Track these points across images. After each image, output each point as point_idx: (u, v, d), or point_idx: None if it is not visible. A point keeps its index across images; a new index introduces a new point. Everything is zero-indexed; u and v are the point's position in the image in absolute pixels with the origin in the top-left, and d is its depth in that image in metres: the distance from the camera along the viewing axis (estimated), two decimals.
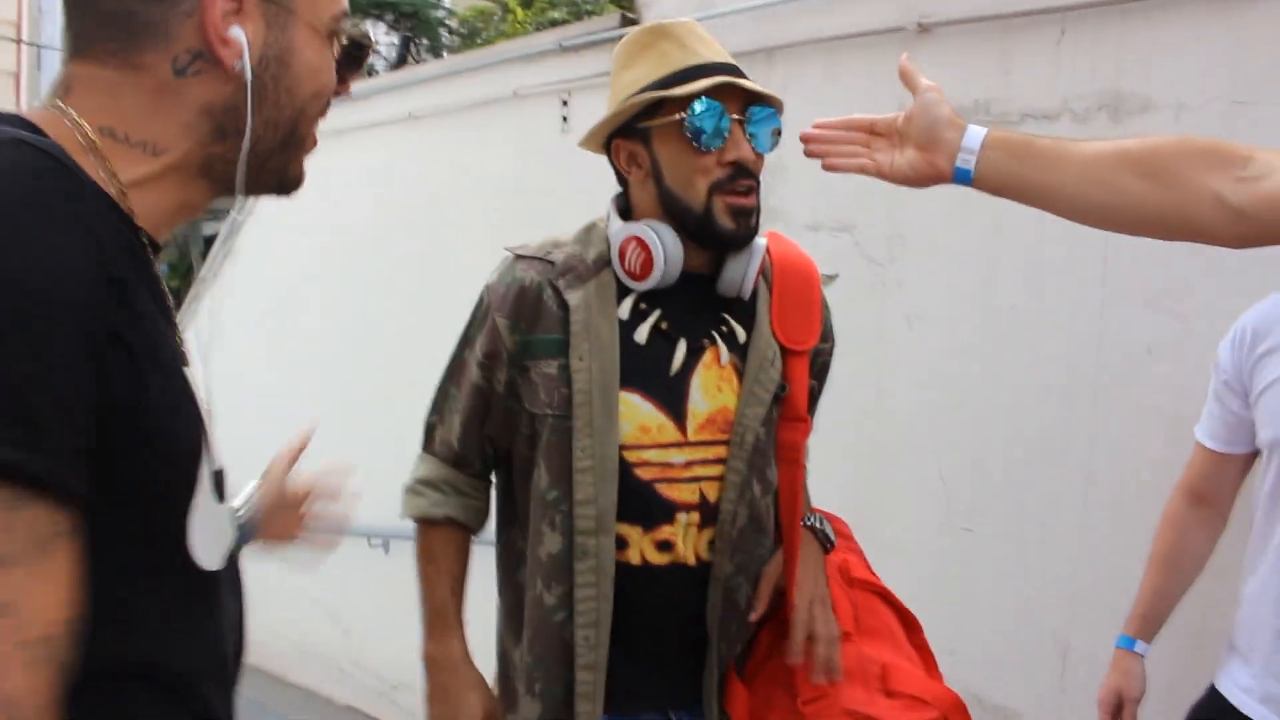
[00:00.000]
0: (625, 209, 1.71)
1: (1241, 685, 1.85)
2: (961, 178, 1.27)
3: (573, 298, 1.63)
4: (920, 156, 1.29)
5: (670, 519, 1.63)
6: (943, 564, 2.78)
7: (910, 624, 1.80)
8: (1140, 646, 2.08)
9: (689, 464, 1.63)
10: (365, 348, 5.41)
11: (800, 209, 3.19)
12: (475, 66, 4.77)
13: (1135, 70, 2.44)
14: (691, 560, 1.64)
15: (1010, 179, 1.25)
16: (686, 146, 1.57)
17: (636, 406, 1.62)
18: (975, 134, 1.27)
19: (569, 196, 3.96)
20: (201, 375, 1.01)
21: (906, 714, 1.60)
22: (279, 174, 1.00)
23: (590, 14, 7.66)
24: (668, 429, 1.63)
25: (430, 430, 1.80)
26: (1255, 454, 1.95)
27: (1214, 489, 2.03)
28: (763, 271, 1.71)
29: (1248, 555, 1.90)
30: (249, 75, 0.92)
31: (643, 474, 1.62)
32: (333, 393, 5.72)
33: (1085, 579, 2.51)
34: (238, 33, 0.91)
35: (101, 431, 0.80)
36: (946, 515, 2.77)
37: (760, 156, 1.61)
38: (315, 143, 1.03)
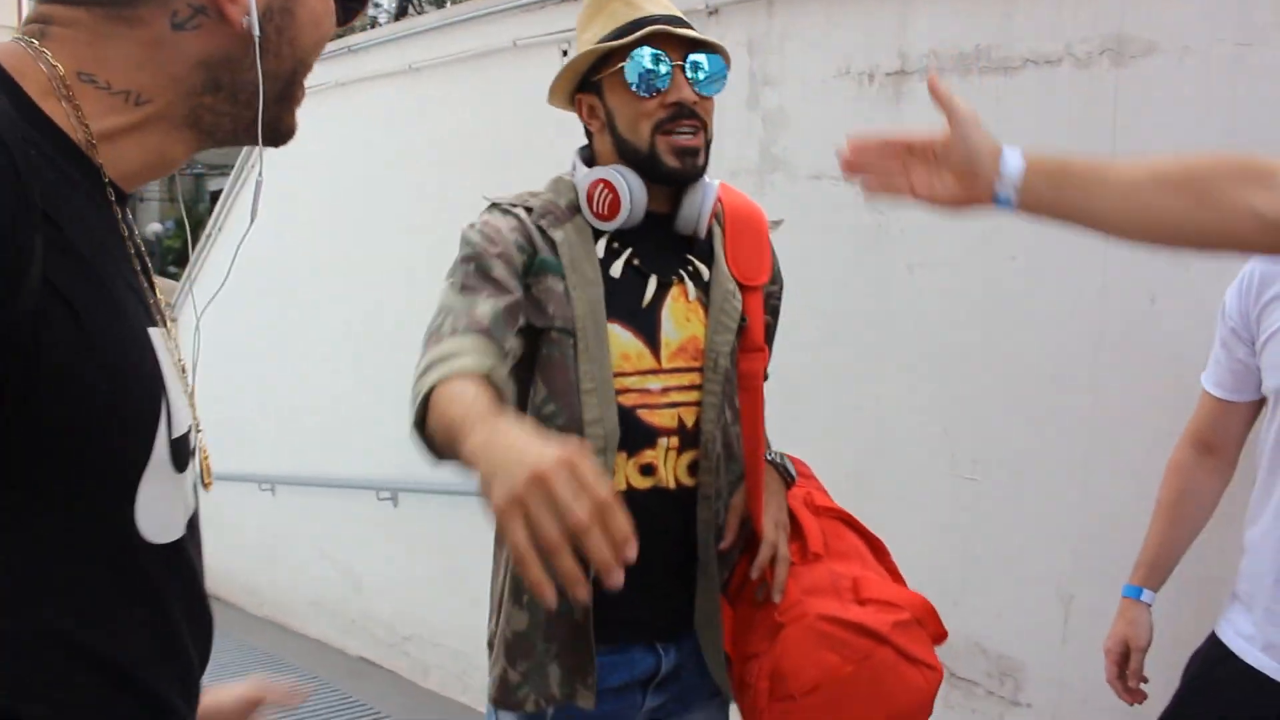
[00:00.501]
0: (589, 159, 1.81)
1: (1243, 633, 1.85)
2: (1003, 205, 1.29)
3: (557, 235, 1.72)
4: (959, 185, 1.30)
5: (652, 443, 1.72)
6: (947, 514, 2.78)
7: (877, 547, 1.91)
8: (1147, 595, 2.07)
9: (665, 390, 1.73)
10: (368, 299, 5.40)
11: (802, 158, 3.16)
12: (474, 16, 4.70)
13: (1139, 12, 2.39)
14: (671, 484, 1.73)
15: (1051, 205, 1.29)
16: (630, 93, 1.69)
17: (618, 335, 1.72)
18: (1014, 162, 1.28)
19: (569, 146, 3.93)
20: (184, 333, 0.98)
21: (879, 615, 1.69)
22: (273, 125, 0.95)
23: None
24: (645, 357, 1.73)
25: (439, 326, 1.61)
26: (1262, 401, 1.93)
27: (1220, 437, 2.02)
28: (715, 215, 1.83)
29: (1251, 503, 1.89)
30: (256, 31, 0.88)
31: (624, 400, 1.70)
32: (338, 344, 5.72)
33: (1088, 529, 2.50)
34: None
35: (31, 386, 0.74)
36: (950, 466, 2.77)
37: (703, 98, 1.71)
38: (304, 94, 0.99)
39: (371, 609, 5.50)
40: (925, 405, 2.83)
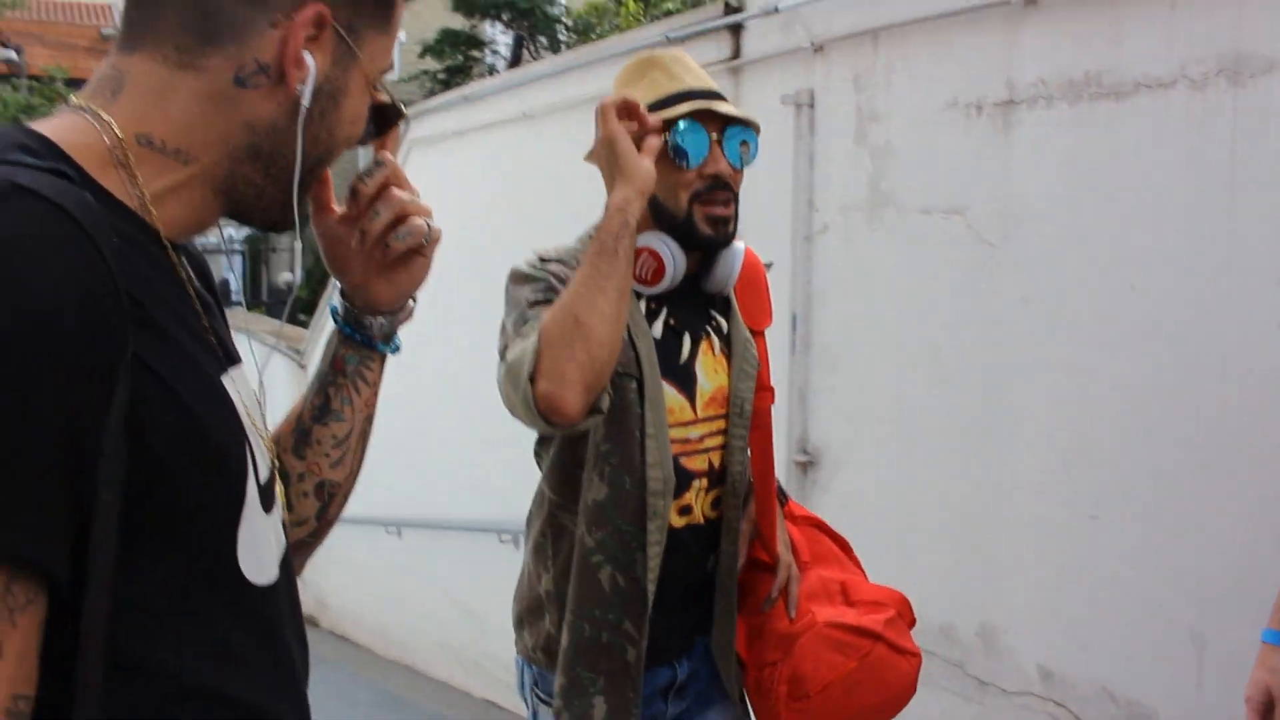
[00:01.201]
0: None
1: None
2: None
3: None
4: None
5: (688, 486, 1.87)
6: (1068, 553, 2.69)
7: (844, 546, 2.09)
8: None
9: (701, 438, 1.88)
10: (484, 346, 5.49)
11: (910, 193, 3.12)
12: (586, 63, 4.80)
13: (1257, 28, 2.30)
14: (701, 520, 1.89)
15: None
16: (670, 163, 1.77)
17: (666, 390, 1.85)
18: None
19: None
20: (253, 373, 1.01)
21: (870, 615, 1.88)
22: (283, 209, 0.97)
23: (699, 4, 7.63)
24: (686, 409, 1.87)
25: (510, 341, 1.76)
26: None
27: None
28: None
29: None
30: (306, 101, 0.91)
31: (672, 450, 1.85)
32: (460, 390, 5.83)
33: (1220, 569, 2.39)
34: (310, 59, 0.90)
35: (142, 458, 0.79)
36: (1071, 502, 2.68)
37: (737, 171, 1.82)
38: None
39: (495, 651, 5.55)
40: (1042, 441, 2.75)
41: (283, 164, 0.94)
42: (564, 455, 1.87)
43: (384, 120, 1.05)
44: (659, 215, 1.82)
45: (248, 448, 0.90)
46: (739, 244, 1.90)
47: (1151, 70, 2.48)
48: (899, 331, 3.17)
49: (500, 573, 5.55)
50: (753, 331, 1.96)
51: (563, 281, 1.76)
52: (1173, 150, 2.45)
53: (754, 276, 1.97)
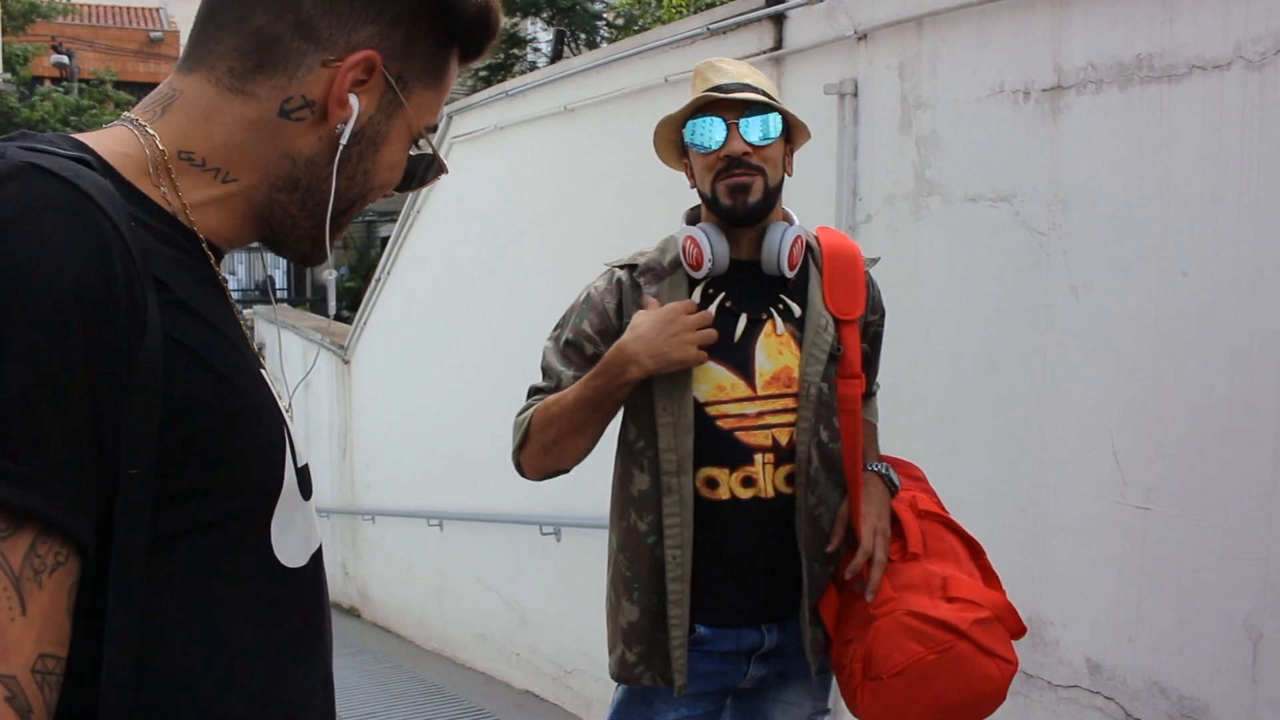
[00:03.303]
0: (694, 216, 2.15)
1: None
2: None
3: (649, 290, 2.05)
4: None
5: (750, 460, 2.00)
6: (1119, 545, 2.64)
7: (974, 549, 2.11)
8: None
9: (760, 414, 2.01)
10: (529, 339, 5.50)
11: (956, 181, 3.08)
12: (626, 55, 4.78)
13: None
14: (770, 493, 2.01)
15: None
16: (696, 154, 2.03)
17: (710, 370, 2.01)
18: None
19: None
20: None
21: (961, 613, 1.92)
22: (315, 243, 1.00)
23: None
24: (740, 386, 2.01)
25: (540, 383, 2.11)
26: None
27: None
28: (813, 256, 2.11)
29: None
30: (344, 140, 0.95)
31: (723, 424, 2.01)
32: (501, 383, 5.85)
33: (1277, 561, 2.34)
34: (355, 101, 0.94)
35: (176, 435, 0.81)
36: (1122, 494, 2.63)
37: (756, 148, 1.97)
38: (342, 234, 1.06)
39: (536, 643, 5.56)
40: (1092, 432, 2.70)
41: (318, 199, 0.97)
42: (619, 459, 2.11)
43: (418, 171, 1.07)
44: (704, 201, 2.07)
45: (286, 433, 0.93)
46: (791, 225, 2.04)
47: (1206, 51, 2.42)
48: (946, 321, 3.13)
49: (541, 566, 5.58)
50: (841, 321, 2.05)
51: (599, 310, 2.07)
52: (1229, 135, 2.40)
53: (847, 267, 2.10)
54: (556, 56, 10.61)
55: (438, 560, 6.70)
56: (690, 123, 2.01)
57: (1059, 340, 2.79)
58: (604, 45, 11.35)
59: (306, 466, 0.98)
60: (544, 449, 2.02)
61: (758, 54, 3.81)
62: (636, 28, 10.17)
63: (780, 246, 2.02)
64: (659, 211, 4.50)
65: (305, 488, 0.96)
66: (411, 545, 7.05)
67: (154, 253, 0.83)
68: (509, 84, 6.08)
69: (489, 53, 1.08)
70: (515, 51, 18.51)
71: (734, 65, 2.07)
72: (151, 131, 0.92)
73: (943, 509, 2.18)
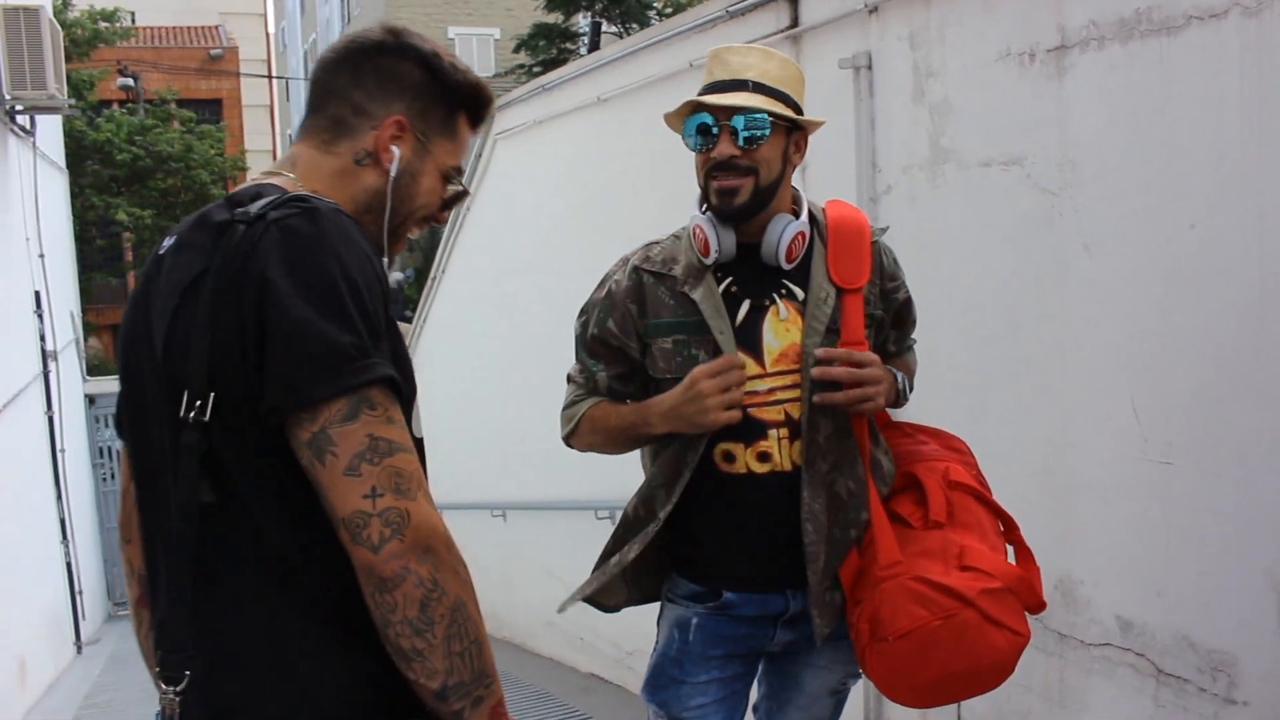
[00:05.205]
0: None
1: None
2: None
3: (696, 294, 2.08)
4: None
5: (764, 435, 2.06)
6: (1142, 501, 2.64)
7: (1008, 523, 2.13)
8: None
9: (771, 390, 2.06)
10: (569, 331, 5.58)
11: (969, 147, 3.08)
12: (651, 43, 4.83)
13: None
14: (788, 466, 2.06)
15: None
16: (692, 150, 2.08)
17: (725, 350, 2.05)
18: None
19: None
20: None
21: (970, 582, 1.92)
22: (387, 249, 1.48)
23: None
24: (751, 365, 2.06)
25: (576, 371, 2.24)
26: None
27: None
28: (820, 234, 2.13)
29: None
30: (393, 174, 1.46)
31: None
32: (546, 374, 5.93)
33: None
34: (396, 149, 1.45)
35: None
36: (1143, 450, 2.63)
37: (742, 150, 2.00)
38: (406, 241, 1.54)
39: (598, 627, 5.65)
40: (1112, 390, 2.70)
41: (383, 217, 1.47)
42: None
43: (452, 199, 1.54)
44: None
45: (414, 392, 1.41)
46: (787, 221, 2.07)
47: (1202, 1, 2.41)
48: (965, 285, 3.14)
49: (599, 549, 5.64)
50: (844, 290, 2.09)
51: (619, 307, 2.13)
52: (1229, 83, 2.38)
53: (853, 236, 2.12)
54: (594, 47, 10.67)
55: (503, 550, 6.82)
56: (685, 122, 2.05)
57: (1076, 299, 2.79)
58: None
59: (420, 440, 1.43)
60: (590, 446, 2.23)
61: (775, 33, 3.84)
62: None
63: (780, 242, 2.06)
64: (690, 194, 4.54)
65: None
66: (478, 537, 7.17)
67: None
68: (545, 78, 6.16)
69: (488, 118, 1.59)
70: (568, 46, 18.62)
71: (739, 55, 2.08)
72: (293, 178, 1.43)
73: (982, 484, 2.18)
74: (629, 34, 13.85)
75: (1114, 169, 2.65)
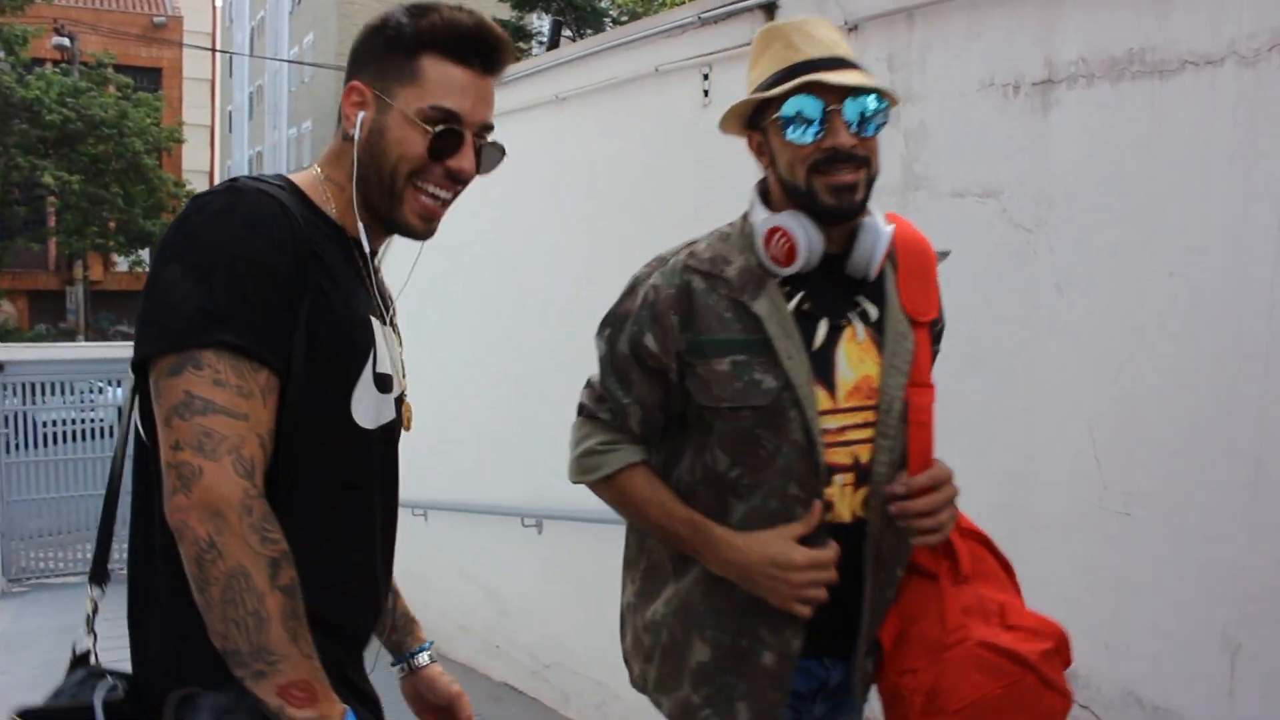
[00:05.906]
0: (765, 193, 1.84)
1: None
2: None
3: (760, 308, 1.75)
4: None
5: (829, 481, 1.75)
6: (1098, 549, 2.58)
7: (1008, 568, 1.94)
8: None
9: (842, 429, 1.75)
10: (518, 329, 5.45)
11: (944, 175, 3.02)
12: (617, 44, 4.72)
13: None
14: (847, 518, 1.77)
15: None
16: (786, 143, 1.71)
17: None
18: None
19: (711, 170, 3.88)
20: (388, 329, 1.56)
21: (1027, 644, 1.74)
22: (388, 216, 1.51)
23: None
24: (824, 398, 1.75)
25: (596, 401, 1.88)
26: None
27: None
28: (889, 254, 1.82)
29: None
30: (357, 137, 1.49)
31: None
32: (485, 374, 5.79)
33: (1257, 570, 2.28)
34: (361, 114, 1.49)
35: (309, 335, 1.37)
36: (1101, 498, 2.57)
37: (861, 139, 1.70)
38: (421, 205, 1.50)
39: (515, 635, 5.51)
40: (1076, 434, 2.64)
41: (370, 178, 1.50)
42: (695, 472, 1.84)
43: (444, 138, 1.48)
44: (785, 189, 1.76)
45: (373, 348, 1.47)
46: (882, 223, 1.78)
47: (1198, 46, 2.37)
48: None
49: (522, 558, 5.52)
50: (914, 322, 1.81)
51: (661, 322, 1.77)
52: (1219, 132, 2.34)
53: (921, 263, 1.85)
54: (553, 45, 10.56)
55: (422, 550, 6.63)
56: (787, 105, 1.69)
57: (1043, 339, 2.73)
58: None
59: (389, 376, 1.51)
60: (611, 506, 1.90)
61: (749, 43, 3.75)
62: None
63: (874, 251, 1.76)
64: (650, 199, 4.44)
65: (381, 385, 1.49)
66: (399, 535, 6.99)
67: (317, 236, 1.43)
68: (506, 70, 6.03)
69: (479, 43, 1.48)
70: (521, 45, 18.48)
71: (825, 30, 1.76)
72: (318, 169, 1.55)
73: (974, 525, 1.98)
74: (582, 38, 13.75)
75: (1093, 209, 2.60)
